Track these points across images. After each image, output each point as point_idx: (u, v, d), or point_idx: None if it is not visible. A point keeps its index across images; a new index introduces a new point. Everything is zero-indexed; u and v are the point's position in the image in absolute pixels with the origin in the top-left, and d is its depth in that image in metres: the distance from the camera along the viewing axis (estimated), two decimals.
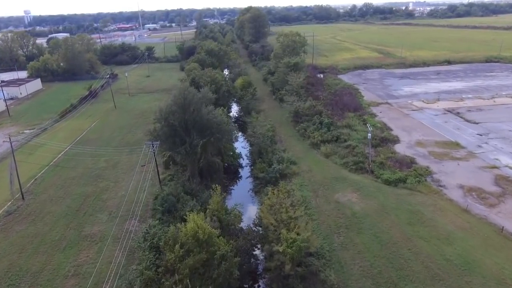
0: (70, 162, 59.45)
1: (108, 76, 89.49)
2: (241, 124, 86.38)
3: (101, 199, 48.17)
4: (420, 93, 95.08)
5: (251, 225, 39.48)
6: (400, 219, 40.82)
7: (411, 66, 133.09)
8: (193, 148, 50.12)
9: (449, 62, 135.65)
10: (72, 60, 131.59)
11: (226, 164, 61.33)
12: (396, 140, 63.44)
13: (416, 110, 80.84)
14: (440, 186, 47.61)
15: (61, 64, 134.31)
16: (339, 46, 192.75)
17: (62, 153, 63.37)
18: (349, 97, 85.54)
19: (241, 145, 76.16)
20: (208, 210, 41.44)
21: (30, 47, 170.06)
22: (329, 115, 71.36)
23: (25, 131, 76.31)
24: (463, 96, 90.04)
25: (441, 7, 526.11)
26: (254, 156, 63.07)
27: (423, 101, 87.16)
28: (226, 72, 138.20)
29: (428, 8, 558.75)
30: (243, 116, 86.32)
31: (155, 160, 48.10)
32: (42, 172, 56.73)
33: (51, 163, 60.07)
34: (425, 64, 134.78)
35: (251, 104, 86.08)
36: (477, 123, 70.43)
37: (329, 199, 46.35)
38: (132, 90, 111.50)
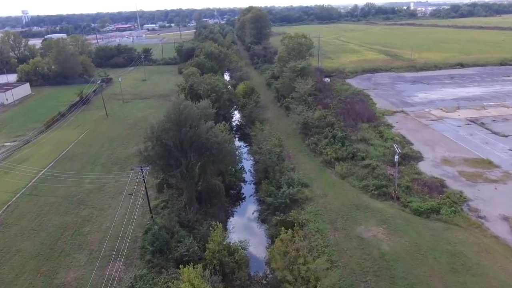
0: (50, 183, 52.26)
1: (99, 81, 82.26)
2: (244, 134, 79.72)
3: (81, 232, 41.00)
4: (437, 100, 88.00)
5: (260, 275, 32.47)
6: (440, 264, 33.71)
7: (422, 69, 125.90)
8: (190, 170, 43.10)
9: (461, 65, 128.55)
10: (64, 63, 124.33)
11: (227, 182, 54.45)
12: (419, 157, 56.30)
13: (436, 120, 73.75)
14: (480, 217, 40.51)
15: (53, 67, 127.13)
16: (343, 48, 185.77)
17: (42, 172, 56.21)
18: (362, 106, 78.47)
19: (243, 157, 69.26)
20: (207, 251, 34.58)
21: (22, 48, 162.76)
22: (342, 127, 64.26)
23: (5, 144, 69.19)
24: (484, 103, 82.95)
25: (443, 7, 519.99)
26: (259, 174, 56.06)
27: (441, 109, 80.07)
28: (226, 75, 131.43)
29: (430, 8, 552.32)
30: (245, 126, 79.42)
31: (145, 187, 40.94)
32: (17, 196, 49.60)
33: (30, 184, 52.94)
34: (436, 67, 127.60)
35: (254, 113, 79.01)
36: (507, 136, 63.34)
37: (350, 234, 39.24)
38: (126, 95, 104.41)
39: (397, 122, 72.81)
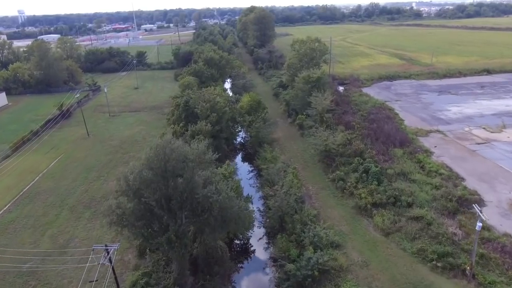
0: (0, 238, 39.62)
1: (77, 94, 69.37)
2: (249, 154, 67.62)
3: None
4: (474, 115, 75.39)
5: None
6: None
7: (445, 76, 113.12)
8: (181, 236, 30.55)
9: (488, 72, 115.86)
10: (47, 69, 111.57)
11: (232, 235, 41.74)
12: (478, 201, 43.52)
13: (482, 143, 61.09)
14: None
15: (35, 73, 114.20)
16: (353, 51, 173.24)
17: None
18: (391, 125, 65.73)
19: (248, 183, 57.46)
20: None
21: (5, 52, 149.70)
22: (374, 156, 51.61)
23: None
24: None
25: (447, 7, 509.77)
26: (273, 222, 43.42)
27: (484, 128, 67.47)
28: (228, 83, 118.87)
29: (433, 8, 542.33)
30: (251, 147, 67.09)
31: (113, 272, 28.21)
32: None
33: None
34: (461, 73, 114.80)
35: (262, 132, 66.28)
36: None
37: None
38: (114, 107, 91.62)
39: (435, 147, 60.10)
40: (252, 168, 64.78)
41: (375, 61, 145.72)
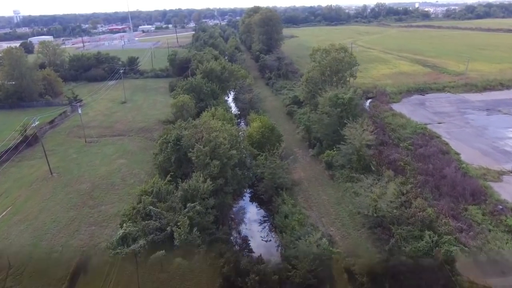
0: None
1: (36, 122, 52.60)
2: (260, 198, 51.47)
3: None
4: None
5: None
6: None
7: (485, 88, 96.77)
8: None
9: None
10: (19, 80, 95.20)
11: None
12: None
13: None
14: None
15: (6, 82, 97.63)
16: (367, 56, 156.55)
17: None
18: (452, 166, 49.06)
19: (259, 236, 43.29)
20: None
21: None
22: (453, 231, 35.04)
23: None
24: None
25: (452, 7, 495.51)
26: None
27: None
28: (231, 93, 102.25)
29: (439, 9, 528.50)
30: (264, 192, 50.55)
31: None
32: None
33: None
34: (503, 86, 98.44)
35: (279, 173, 49.71)
36: None
37: None
38: (94, 128, 75.07)
39: None
40: (264, 216, 48.97)
41: (396, 68, 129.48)
